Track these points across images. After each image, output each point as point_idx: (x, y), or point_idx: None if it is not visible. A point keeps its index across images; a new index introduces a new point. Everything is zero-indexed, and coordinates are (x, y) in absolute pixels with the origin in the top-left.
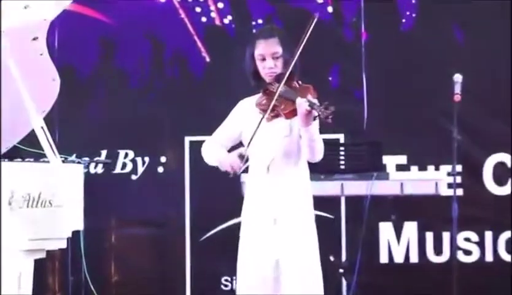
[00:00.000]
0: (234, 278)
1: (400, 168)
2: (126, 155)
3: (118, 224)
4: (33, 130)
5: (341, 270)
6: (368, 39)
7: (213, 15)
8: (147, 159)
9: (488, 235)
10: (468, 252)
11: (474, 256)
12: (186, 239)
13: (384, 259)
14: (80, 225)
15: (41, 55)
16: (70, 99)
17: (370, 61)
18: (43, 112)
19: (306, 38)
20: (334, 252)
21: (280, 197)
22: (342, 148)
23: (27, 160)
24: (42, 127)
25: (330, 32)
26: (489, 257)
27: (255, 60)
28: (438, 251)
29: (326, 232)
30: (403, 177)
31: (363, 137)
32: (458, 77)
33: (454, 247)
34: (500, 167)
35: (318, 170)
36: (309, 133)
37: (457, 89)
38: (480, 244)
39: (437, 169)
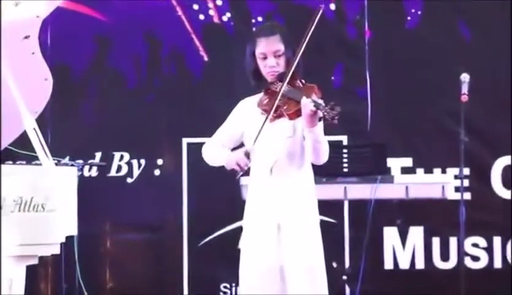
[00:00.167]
0: (234, 285)
1: (405, 170)
2: (122, 157)
3: (113, 229)
4: (25, 132)
5: (344, 277)
6: (371, 37)
7: (211, 12)
8: (143, 161)
9: (497, 240)
10: (475, 258)
11: (483, 262)
12: (184, 244)
13: (388, 265)
14: (73, 230)
15: (33, 53)
16: (64, 100)
17: (374, 60)
18: (36, 113)
19: (311, 32)
20: (337, 259)
21: (284, 201)
22: (345, 150)
23: (18, 162)
24: (34, 128)
25: (333, 30)
26: (498, 264)
27: (256, 59)
28: (445, 257)
29: (329, 237)
30: (408, 181)
31: (366, 139)
32: (465, 77)
33: (461, 253)
34: (509, 170)
35: (320, 173)
36: (314, 134)
37: (464, 89)
38: (489, 249)
39: (444, 172)
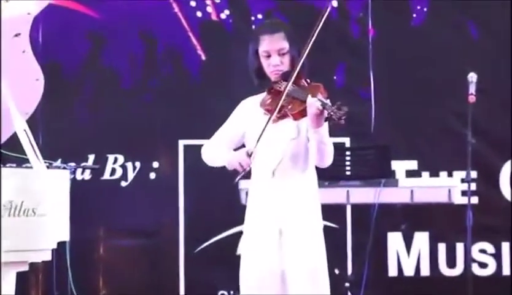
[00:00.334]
0: (232, 292)
1: (410, 174)
2: (116, 160)
3: (106, 234)
4: (15, 133)
5: (347, 284)
6: (375, 35)
7: (209, 9)
8: (138, 164)
9: (506, 246)
10: (483, 265)
11: (490, 269)
12: (180, 250)
13: (392, 272)
14: (65, 236)
15: (24, 52)
16: (56, 100)
17: (378, 59)
18: (26, 114)
19: (317, 32)
20: (340, 265)
21: (286, 205)
22: (348, 152)
23: (8, 165)
24: (24, 130)
25: (335, 28)
26: (506, 270)
27: (259, 57)
28: (451, 263)
29: (331, 242)
30: (413, 184)
31: (370, 141)
32: (472, 76)
33: (468, 259)
34: None
35: (322, 176)
36: (319, 134)
37: (472, 89)
38: (497, 256)
39: (450, 175)
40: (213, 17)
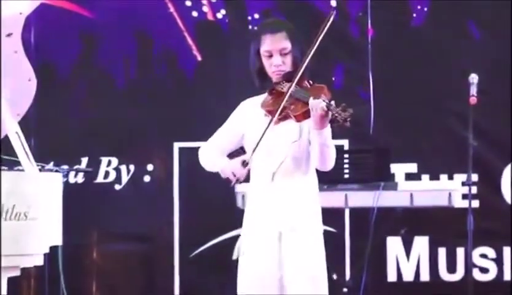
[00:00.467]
0: None
1: (410, 177)
2: (109, 162)
3: (100, 239)
4: (7, 136)
5: (345, 290)
6: (375, 35)
7: (205, 9)
8: (132, 167)
9: (507, 250)
10: (484, 270)
11: (491, 274)
12: (175, 255)
13: (391, 277)
14: (58, 240)
15: (15, 52)
16: (48, 101)
17: (377, 60)
18: (18, 116)
19: (323, 34)
20: (338, 270)
21: (286, 209)
22: (346, 155)
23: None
24: (16, 132)
25: (333, 28)
26: (507, 276)
27: (261, 57)
28: (452, 268)
29: (329, 247)
30: (412, 188)
31: (369, 143)
32: (474, 78)
33: (469, 264)
34: None
35: (320, 179)
36: (323, 137)
37: (473, 90)
38: (498, 261)
39: (450, 178)
40: (209, 17)
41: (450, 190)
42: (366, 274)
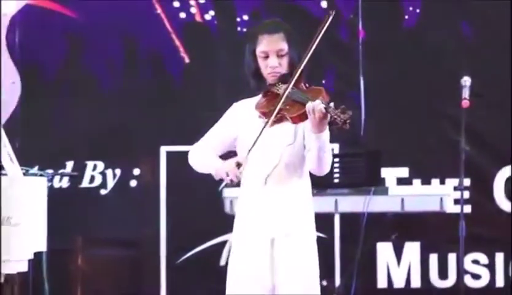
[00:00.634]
0: None
1: (401, 181)
2: (95, 167)
3: (85, 244)
4: None
5: None
6: (366, 37)
7: (193, 10)
8: (118, 171)
9: (499, 256)
10: (476, 276)
11: (484, 281)
12: (162, 261)
13: (382, 283)
14: (42, 246)
15: None
16: (33, 104)
17: (368, 63)
18: (2, 119)
19: (321, 35)
20: (327, 276)
21: (279, 214)
22: (336, 159)
23: None
24: None
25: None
26: (500, 282)
27: (257, 57)
28: (443, 274)
29: (319, 253)
30: (404, 192)
31: (359, 147)
32: (466, 80)
33: (461, 270)
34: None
35: None
36: (320, 140)
37: (465, 93)
38: (490, 267)
39: (442, 183)
40: (197, 18)
41: (442, 195)
42: (356, 280)
